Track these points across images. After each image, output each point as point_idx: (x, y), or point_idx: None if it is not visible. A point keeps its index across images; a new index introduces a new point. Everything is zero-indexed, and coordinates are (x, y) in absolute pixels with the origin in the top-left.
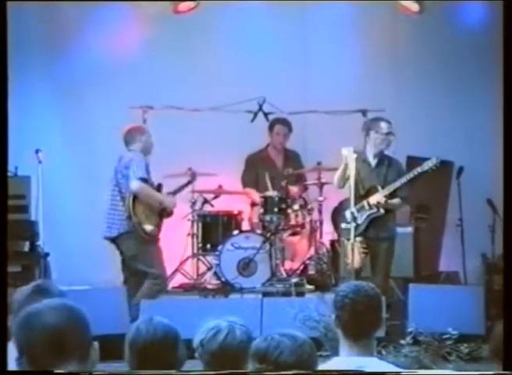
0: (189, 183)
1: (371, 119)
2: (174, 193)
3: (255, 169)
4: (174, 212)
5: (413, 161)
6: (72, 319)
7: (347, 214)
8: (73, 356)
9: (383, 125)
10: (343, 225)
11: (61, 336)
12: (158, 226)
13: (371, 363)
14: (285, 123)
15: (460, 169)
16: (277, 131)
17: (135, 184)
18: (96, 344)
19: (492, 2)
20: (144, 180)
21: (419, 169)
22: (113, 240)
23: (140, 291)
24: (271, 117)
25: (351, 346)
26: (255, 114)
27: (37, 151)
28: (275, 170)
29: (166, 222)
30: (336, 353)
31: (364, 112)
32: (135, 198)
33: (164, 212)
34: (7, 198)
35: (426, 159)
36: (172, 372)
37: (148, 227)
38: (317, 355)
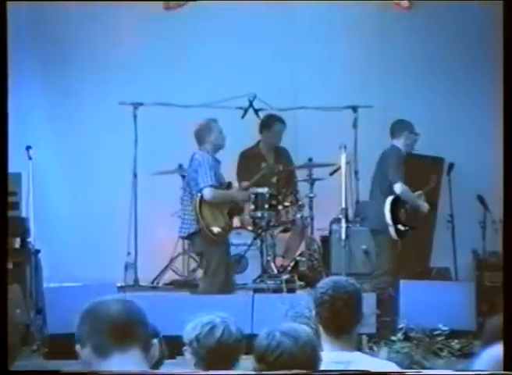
0: (262, 176)
1: (400, 120)
2: (247, 188)
3: (248, 166)
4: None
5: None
6: (134, 311)
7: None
8: (136, 345)
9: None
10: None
11: (125, 325)
12: (228, 225)
13: (354, 358)
14: (282, 121)
15: (451, 166)
16: (277, 130)
17: (207, 192)
18: (156, 341)
19: (492, 2)
20: (214, 185)
21: None
22: (186, 238)
23: (201, 286)
24: (264, 114)
25: (333, 342)
26: (245, 110)
27: (27, 148)
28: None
29: (157, 219)
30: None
31: (354, 109)
32: (202, 200)
33: (234, 210)
34: (7, 194)
35: (417, 156)
36: (172, 372)
37: (216, 229)
38: (318, 356)
